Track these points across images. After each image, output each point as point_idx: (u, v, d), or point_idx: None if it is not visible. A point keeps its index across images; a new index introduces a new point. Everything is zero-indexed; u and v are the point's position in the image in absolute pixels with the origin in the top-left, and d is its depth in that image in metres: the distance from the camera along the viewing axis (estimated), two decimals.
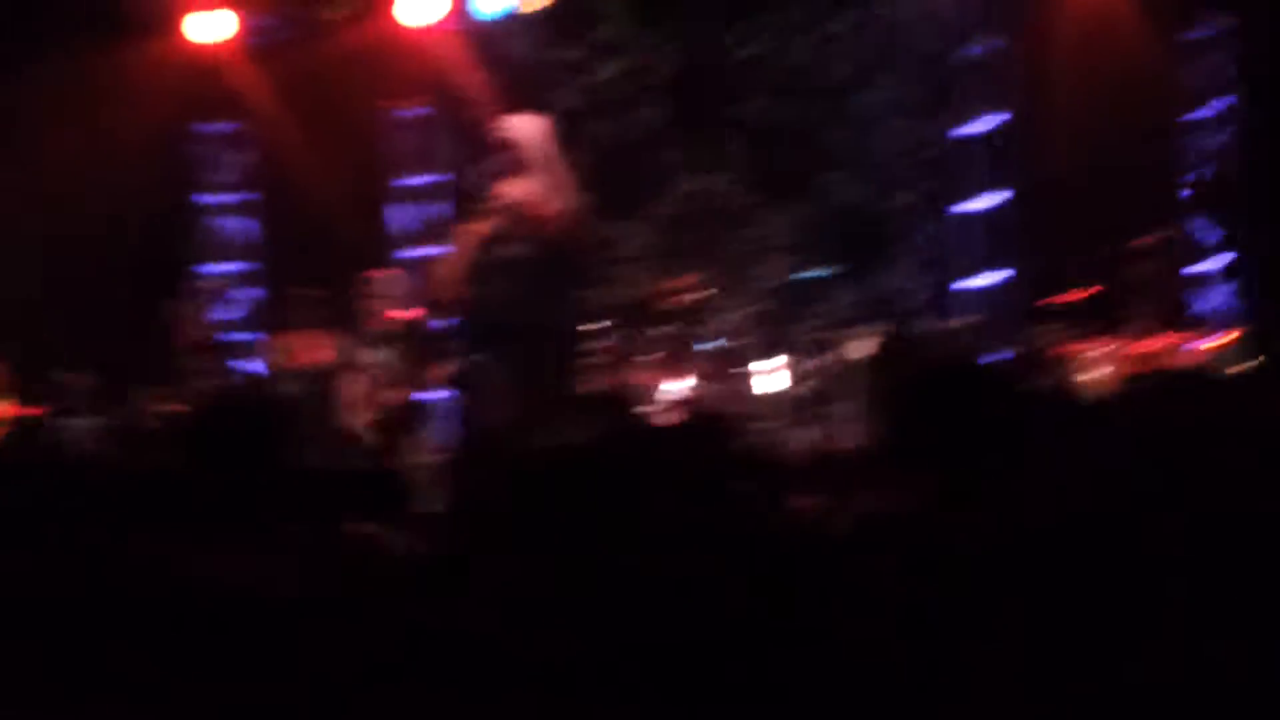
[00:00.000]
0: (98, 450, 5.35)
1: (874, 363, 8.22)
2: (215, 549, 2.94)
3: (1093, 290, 8.45)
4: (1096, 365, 8.05)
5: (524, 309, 6.80)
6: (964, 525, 2.75)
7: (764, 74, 10.28)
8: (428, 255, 10.52)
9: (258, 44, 10.30)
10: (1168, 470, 2.91)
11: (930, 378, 3.22)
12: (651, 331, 8.84)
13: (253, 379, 9.13)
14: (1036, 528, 2.70)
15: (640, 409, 8.34)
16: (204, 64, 10.25)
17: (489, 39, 10.35)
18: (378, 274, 8.97)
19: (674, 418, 7.53)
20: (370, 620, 2.78)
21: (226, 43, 10.23)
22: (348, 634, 2.76)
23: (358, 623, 2.77)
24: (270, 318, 10.11)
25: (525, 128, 6.41)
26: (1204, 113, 9.69)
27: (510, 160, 7.40)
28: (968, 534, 2.72)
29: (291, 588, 2.91)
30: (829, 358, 8.89)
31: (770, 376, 8.68)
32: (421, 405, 8.27)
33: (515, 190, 6.68)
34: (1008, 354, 9.45)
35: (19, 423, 7.73)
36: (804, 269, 9.51)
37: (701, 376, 8.60)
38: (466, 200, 10.13)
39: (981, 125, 10.00)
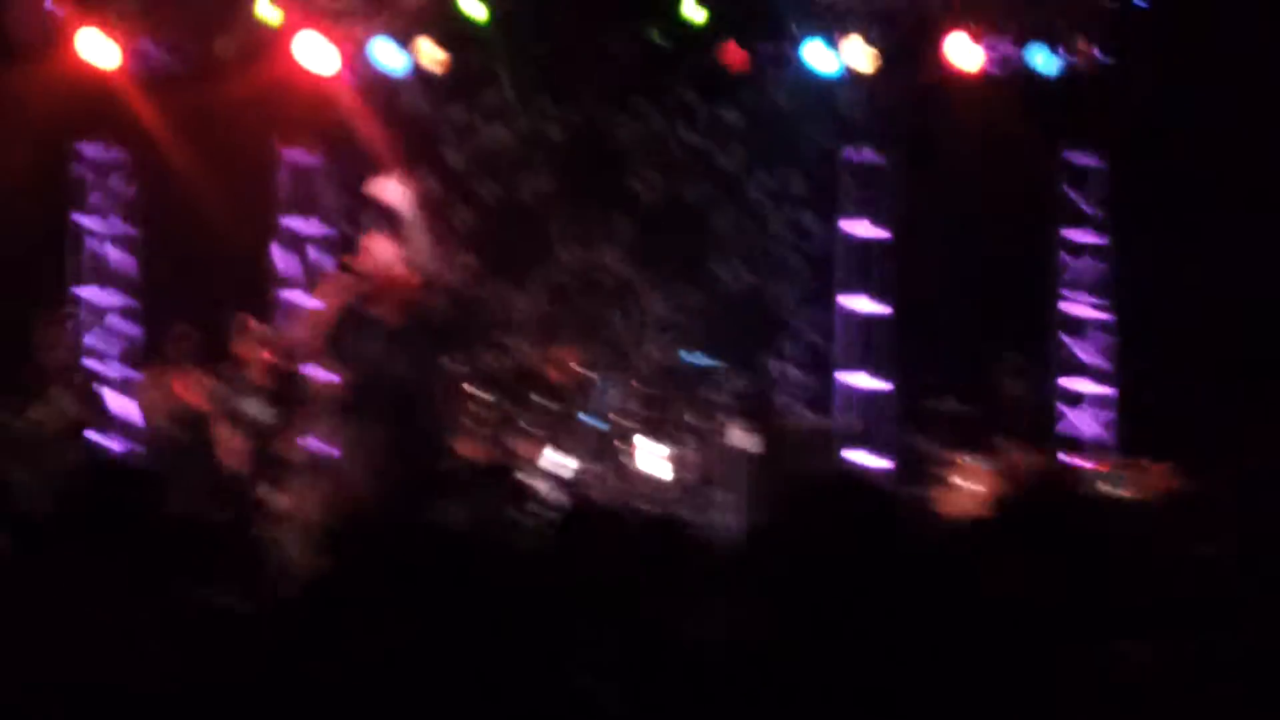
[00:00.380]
0: None
1: (756, 459, 8.32)
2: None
3: (967, 403, 8.65)
4: (971, 478, 8.24)
5: (389, 370, 6.75)
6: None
7: (656, 151, 10.36)
8: (305, 302, 10.39)
9: (148, 71, 10.07)
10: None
11: (810, 487, 3.29)
12: (535, 402, 8.81)
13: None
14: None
15: (521, 481, 8.32)
16: (92, 86, 9.99)
17: (385, 91, 10.27)
18: (254, 320, 8.80)
19: (560, 498, 7.53)
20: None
21: (116, 67, 9.99)
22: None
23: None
24: (144, 351, 9.86)
25: (396, 190, 6.36)
26: (1081, 235, 10.04)
27: (381, 220, 7.40)
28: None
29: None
30: (711, 445, 8.96)
31: (652, 459, 8.70)
32: (292, 459, 8.14)
33: (382, 251, 6.63)
34: (884, 459, 9.63)
35: None
36: (688, 352, 9.56)
37: (582, 454, 8.59)
38: (345, 251, 10.06)
39: (865, 229, 10.18)
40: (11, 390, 8.46)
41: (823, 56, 9.71)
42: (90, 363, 9.77)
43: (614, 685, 3.02)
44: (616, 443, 8.61)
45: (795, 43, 9.81)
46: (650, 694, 3.01)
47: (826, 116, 10.20)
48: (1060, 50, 9.64)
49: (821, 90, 10.05)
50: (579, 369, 8.91)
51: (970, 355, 8.95)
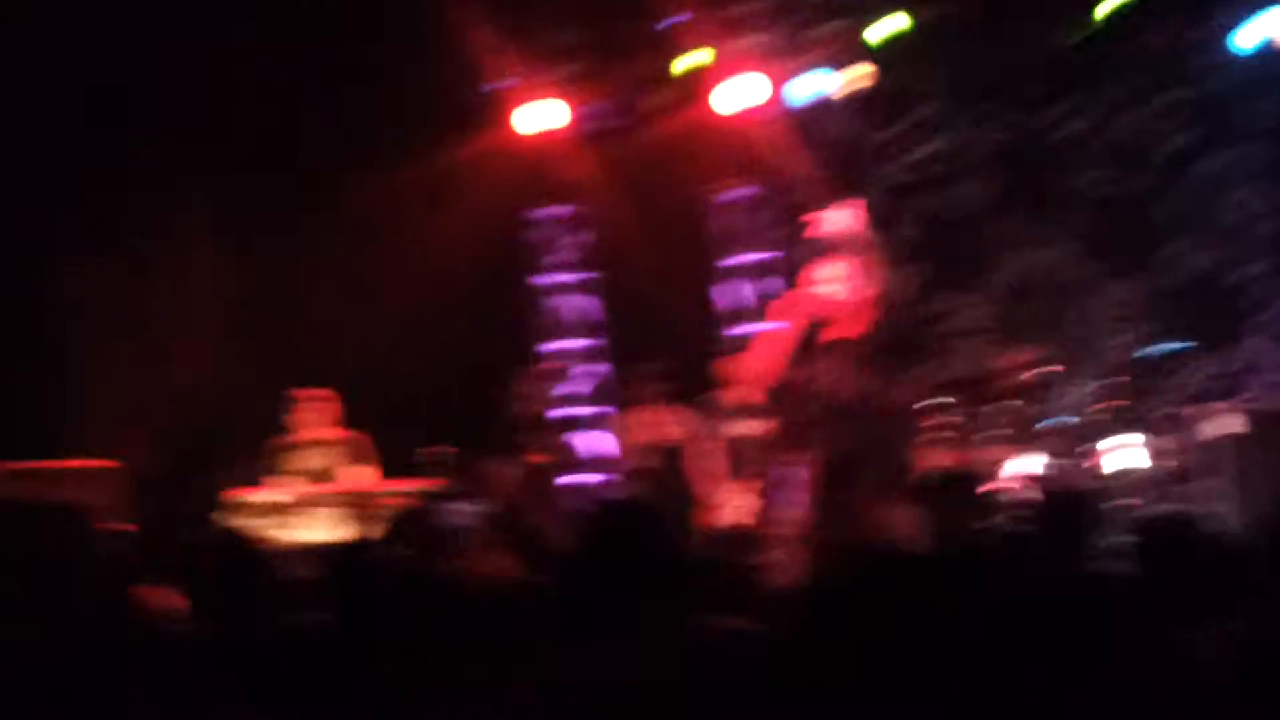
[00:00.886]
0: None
1: (1246, 441, 7.92)
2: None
3: None
4: None
5: (853, 391, 6.74)
6: None
7: (1091, 147, 10.10)
8: (755, 332, 10.62)
9: (588, 131, 10.58)
10: None
11: None
12: (994, 407, 8.69)
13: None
14: None
15: (986, 487, 8.20)
16: (538, 153, 10.58)
17: (808, 121, 10.42)
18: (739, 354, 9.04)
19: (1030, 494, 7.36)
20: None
21: (559, 131, 10.55)
22: None
23: None
24: (612, 393, 10.32)
25: (839, 217, 6.36)
26: None
27: (825, 247, 7.46)
28: None
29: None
30: (1185, 434, 8.60)
31: (1123, 454, 8.42)
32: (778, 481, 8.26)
33: (833, 275, 6.62)
34: None
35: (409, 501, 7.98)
36: (1152, 342, 9.24)
37: (1049, 454, 8.40)
38: (791, 278, 10.22)
39: None
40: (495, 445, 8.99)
41: (1249, 36, 9.32)
42: (561, 410, 10.28)
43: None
44: (1087, 440, 8.35)
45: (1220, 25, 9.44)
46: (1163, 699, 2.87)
47: (1265, 88, 9.71)
48: None
49: (1255, 63, 9.59)
50: (1041, 368, 8.71)
51: None
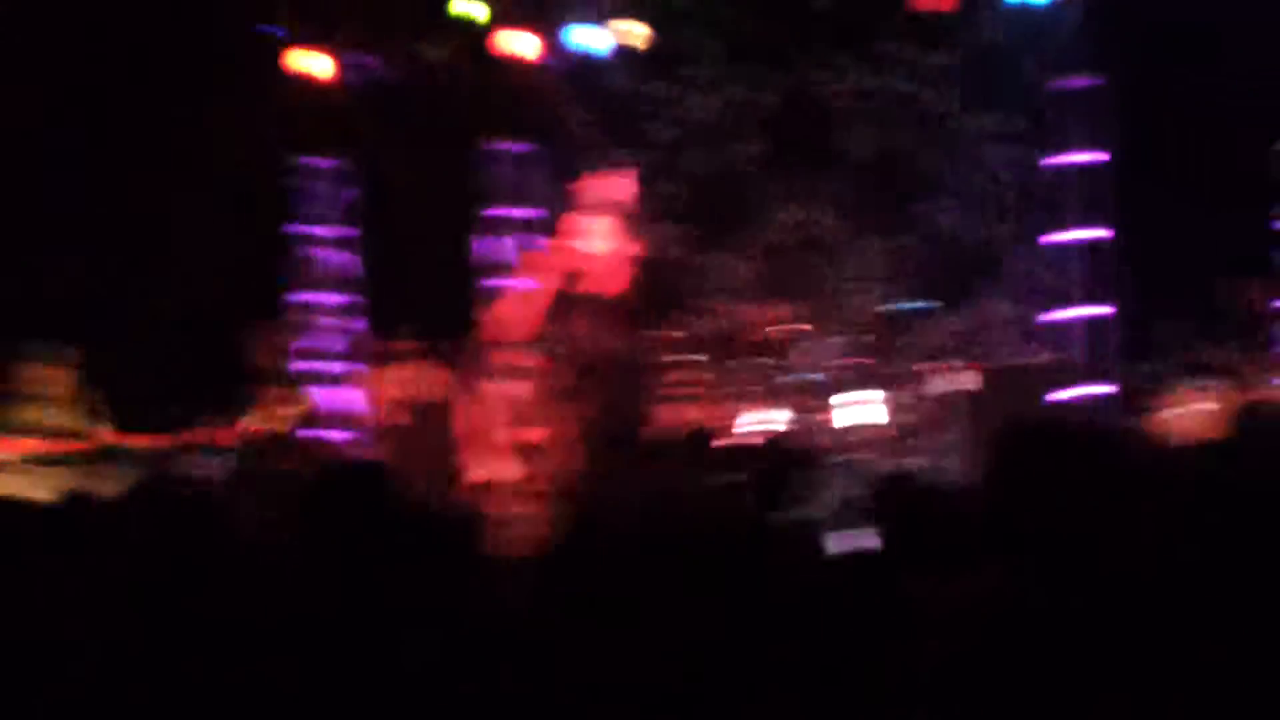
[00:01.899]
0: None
1: (975, 400, 8.10)
2: None
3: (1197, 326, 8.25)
4: (1198, 406, 7.84)
5: (599, 345, 6.72)
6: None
7: (863, 104, 10.21)
8: (517, 287, 10.60)
9: (360, 81, 10.41)
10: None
11: (1037, 433, 3.13)
12: (742, 363, 8.78)
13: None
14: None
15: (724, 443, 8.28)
16: (307, 100, 10.40)
17: (586, 74, 10.39)
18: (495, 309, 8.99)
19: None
20: None
21: (329, 80, 10.37)
22: None
23: None
24: (368, 349, 10.22)
25: (604, 180, 6.31)
26: None
27: (588, 205, 7.43)
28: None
29: None
30: (924, 390, 8.77)
31: (861, 409, 8.55)
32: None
33: (592, 231, 6.59)
34: (1108, 388, 9.30)
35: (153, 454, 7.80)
36: (900, 300, 9.39)
37: (791, 409, 8.51)
38: (557, 235, 10.22)
39: (1080, 157, 9.83)
40: (230, 398, 8.83)
41: None
42: (311, 364, 10.14)
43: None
44: (829, 395, 8.47)
45: None
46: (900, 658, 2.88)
47: (1036, 49, 9.88)
48: None
49: (1029, 23, 9.74)
50: (789, 325, 8.81)
51: (1196, 278, 8.51)
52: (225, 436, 8.59)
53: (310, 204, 10.73)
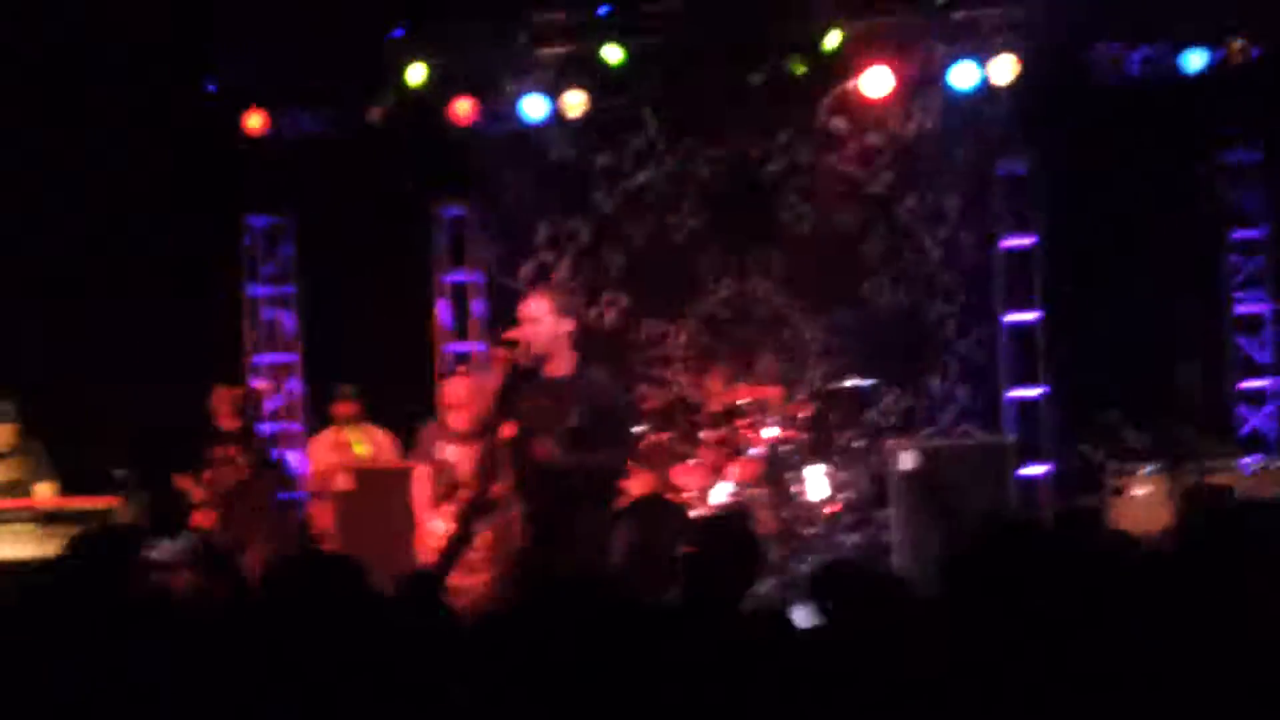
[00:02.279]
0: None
1: (916, 477, 8.25)
2: None
3: (1141, 409, 8.48)
4: (1146, 488, 8.07)
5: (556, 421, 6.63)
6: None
7: (804, 180, 10.39)
8: (470, 351, 10.65)
9: (303, 139, 10.40)
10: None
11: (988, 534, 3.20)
12: (698, 433, 8.87)
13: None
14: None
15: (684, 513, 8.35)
16: (253, 157, 10.36)
17: (531, 141, 10.47)
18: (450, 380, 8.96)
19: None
20: None
21: (274, 137, 10.34)
22: None
23: None
24: (313, 411, 10.18)
25: (540, 308, 6.26)
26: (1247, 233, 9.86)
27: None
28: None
29: None
30: (873, 466, 8.91)
31: (814, 483, 8.67)
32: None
33: (535, 311, 6.48)
34: (1049, 469, 9.53)
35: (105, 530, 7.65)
36: (846, 376, 9.54)
37: (745, 481, 8.61)
38: (504, 299, 10.25)
39: (1017, 240, 10.09)
40: (192, 459, 8.74)
41: (967, 75, 9.64)
42: (267, 425, 10.10)
43: None
44: (780, 468, 8.59)
45: (939, 64, 9.76)
46: None
47: (973, 133, 10.12)
48: (1211, 48, 9.46)
49: (967, 108, 9.98)
50: (745, 397, 8.92)
51: (1139, 361, 8.78)
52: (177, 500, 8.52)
53: (259, 262, 10.69)
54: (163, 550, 8.13)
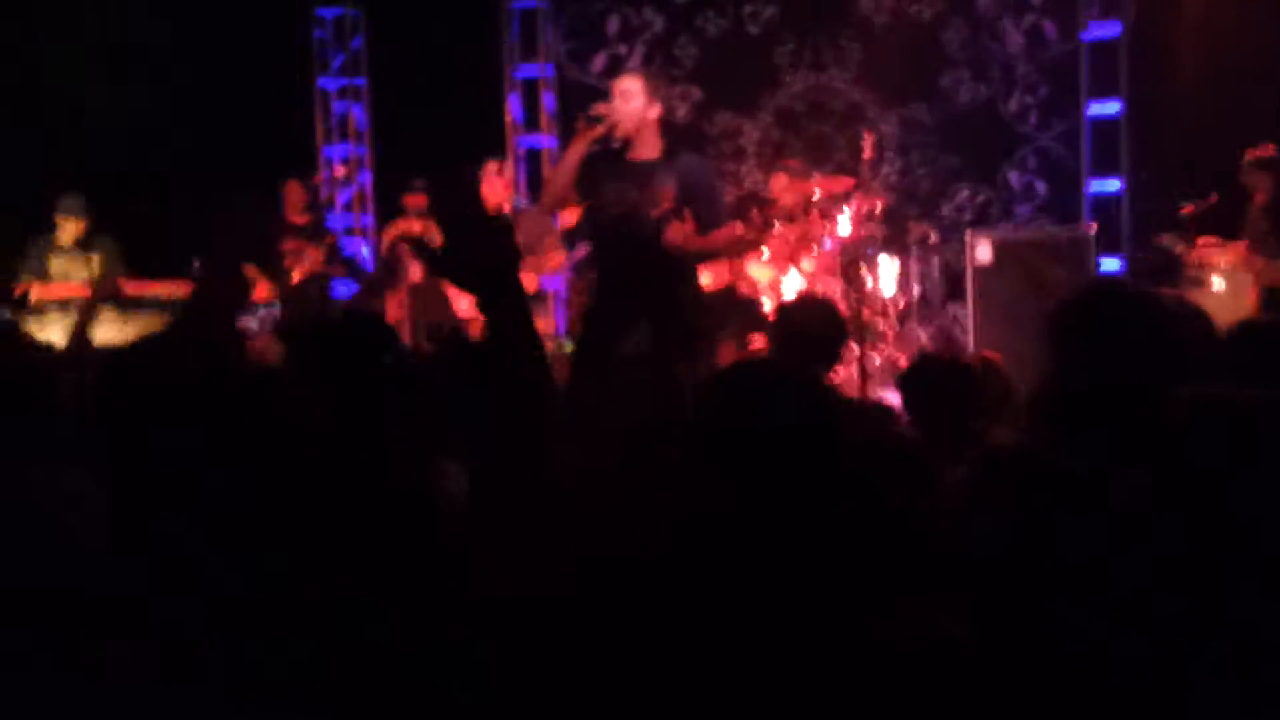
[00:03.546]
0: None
1: (999, 269, 8.15)
2: None
3: (1214, 200, 8.30)
4: (1226, 275, 7.94)
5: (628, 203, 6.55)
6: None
7: None
8: (539, 146, 10.59)
9: None
10: None
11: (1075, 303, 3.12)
12: (771, 227, 8.80)
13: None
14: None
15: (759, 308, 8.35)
16: None
17: None
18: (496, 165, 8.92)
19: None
20: None
21: None
22: None
23: None
24: (382, 203, 10.19)
25: (634, 86, 6.05)
26: None
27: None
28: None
29: None
30: (946, 260, 8.83)
31: (887, 276, 8.61)
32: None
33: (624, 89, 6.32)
34: (1126, 262, 9.41)
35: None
36: (923, 169, 9.40)
37: (817, 274, 8.56)
38: (572, 92, 10.15)
39: (1102, 30, 9.83)
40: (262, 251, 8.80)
41: None
42: (339, 217, 10.13)
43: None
44: (853, 261, 8.51)
45: None
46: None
47: None
48: None
49: None
50: (818, 191, 8.81)
51: (1217, 154, 8.55)
52: (261, 289, 8.61)
53: (324, 53, 10.62)
54: (246, 321, 8.32)
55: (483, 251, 2.88)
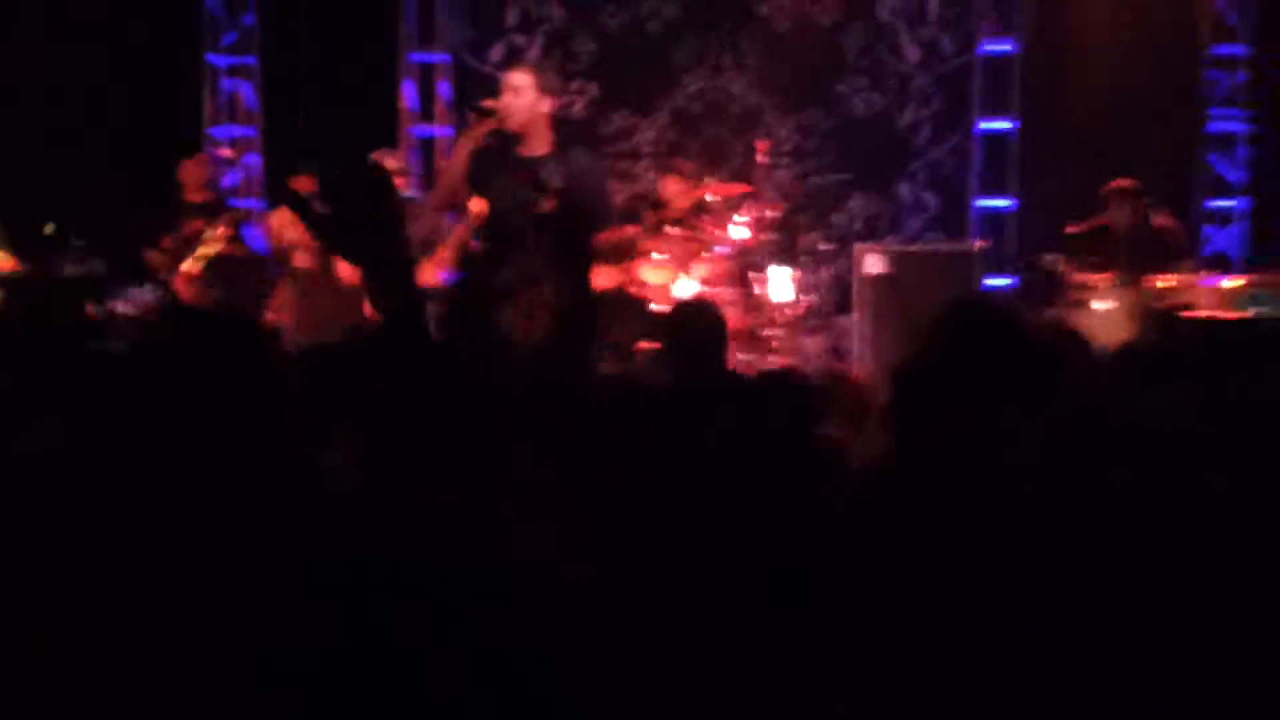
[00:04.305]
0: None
1: (885, 282, 8.20)
2: None
3: (1100, 222, 8.44)
4: (1107, 298, 8.06)
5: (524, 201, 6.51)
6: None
7: None
8: (433, 135, 10.46)
9: None
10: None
11: (955, 313, 3.14)
12: (663, 230, 8.75)
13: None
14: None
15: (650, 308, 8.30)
16: None
17: None
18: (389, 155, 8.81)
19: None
20: None
21: None
22: None
23: None
24: (270, 186, 10.01)
25: (523, 80, 6.03)
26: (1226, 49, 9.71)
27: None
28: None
29: None
30: (838, 270, 8.86)
31: (779, 285, 8.61)
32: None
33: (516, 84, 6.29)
34: (1013, 280, 9.53)
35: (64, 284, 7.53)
36: (817, 177, 9.42)
37: (710, 279, 8.53)
38: (469, 82, 10.04)
39: (997, 46, 9.93)
40: (156, 231, 8.61)
41: None
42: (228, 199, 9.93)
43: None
44: (745, 268, 8.51)
45: None
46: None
47: None
48: None
49: None
50: (707, 194, 8.79)
51: (1107, 174, 8.68)
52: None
53: (214, 29, 10.39)
54: (132, 299, 8.10)
55: (363, 209, 2.85)
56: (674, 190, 9.07)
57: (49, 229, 8.04)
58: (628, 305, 8.45)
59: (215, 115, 10.46)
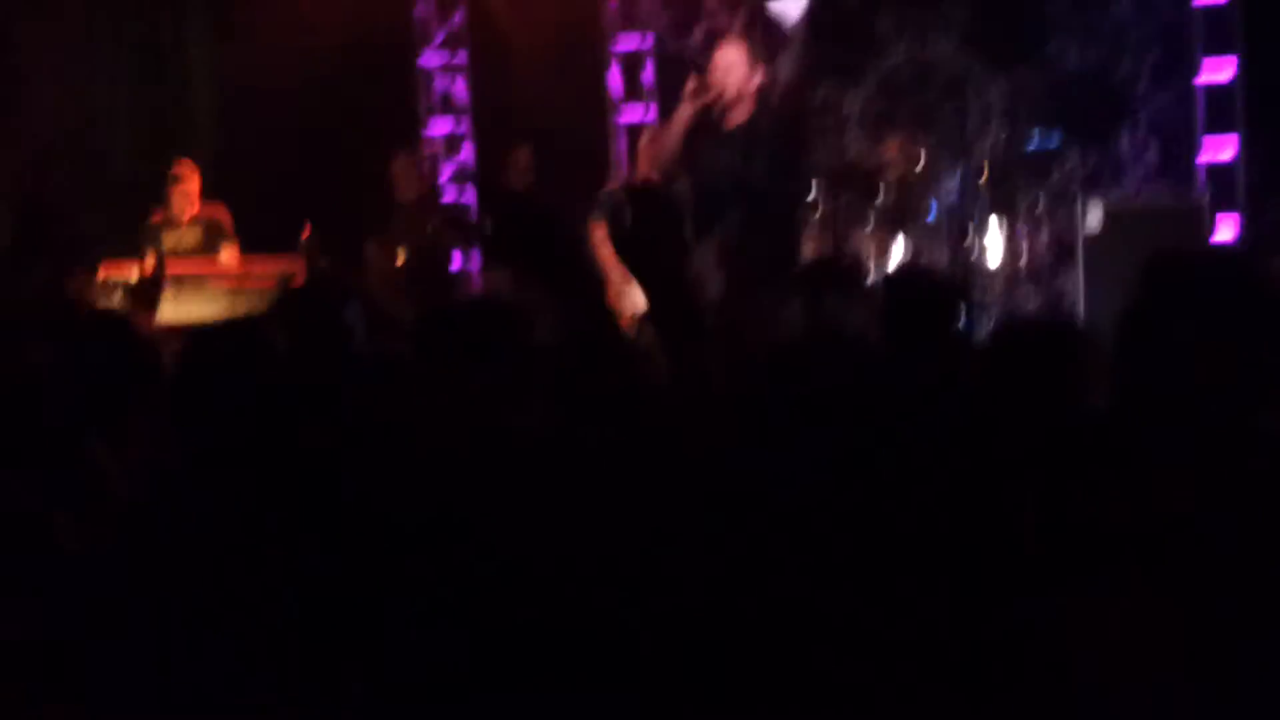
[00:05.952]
0: None
1: (1100, 239, 7.98)
2: None
3: None
4: None
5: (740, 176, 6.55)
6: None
7: None
8: (641, 121, 10.53)
9: None
10: None
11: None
12: (870, 199, 8.67)
13: None
14: None
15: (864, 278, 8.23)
16: None
17: None
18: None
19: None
20: None
21: None
22: None
23: None
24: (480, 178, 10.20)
25: (736, 55, 6.06)
26: None
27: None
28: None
29: None
30: (1054, 230, 8.66)
31: (992, 248, 8.46)
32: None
33: (728, 60, 6.36)
34: (1243, 229, 9.18)
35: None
36: (1029, 137, 9.22)
37: (921, 245, 8.43)
38: (678, 65, 10.07)
39: None
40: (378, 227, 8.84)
41: None
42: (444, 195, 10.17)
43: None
44: (958, 232, 8.38)
45: None
46: None
47: None
48: None
49: None
50: (916, 160, 8.67)
51: None
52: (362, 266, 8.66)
53: (432, 32, 10.64)
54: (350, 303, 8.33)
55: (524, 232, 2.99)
56: (889, 155, 8.99)
57: (307, 234, 8.29)
58: (843, 273, 8.38)
59: (429, 115, 10.71)
